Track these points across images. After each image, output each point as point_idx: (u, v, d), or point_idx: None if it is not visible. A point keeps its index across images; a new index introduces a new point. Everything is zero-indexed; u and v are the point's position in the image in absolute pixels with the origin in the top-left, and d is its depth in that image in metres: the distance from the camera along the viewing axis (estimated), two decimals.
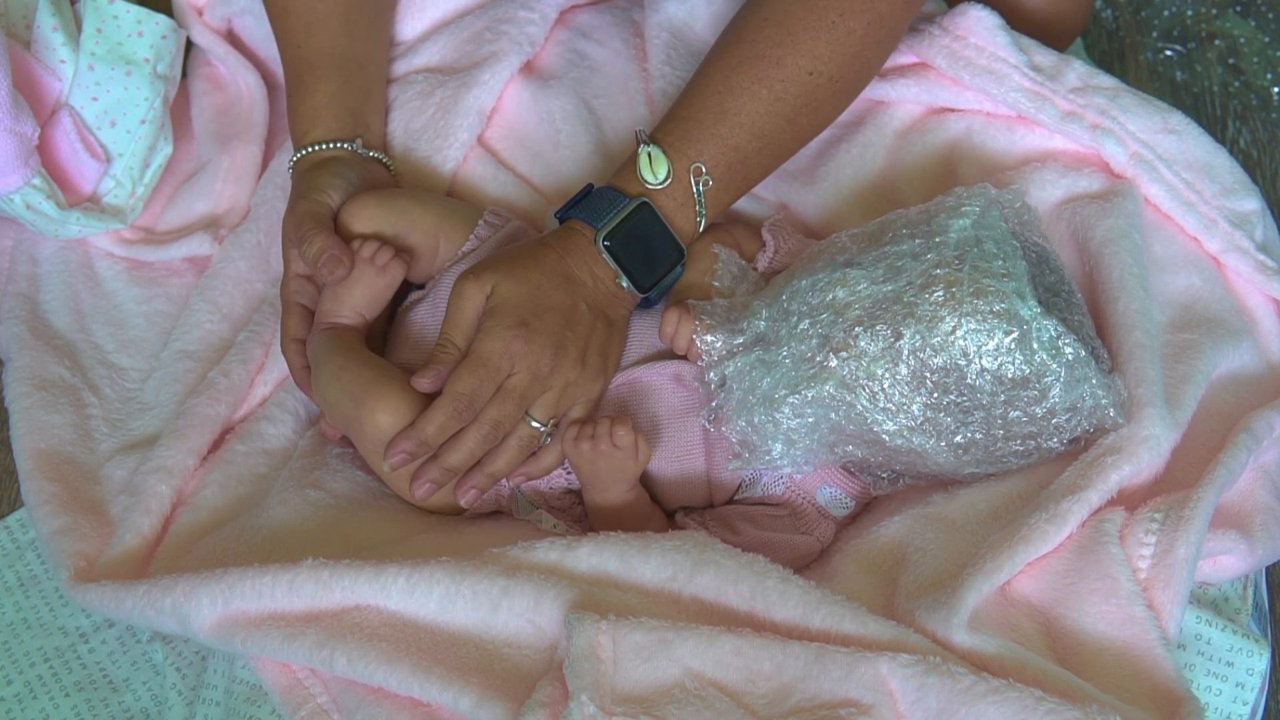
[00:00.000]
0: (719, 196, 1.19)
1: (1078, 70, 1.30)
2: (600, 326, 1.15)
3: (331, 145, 1.26)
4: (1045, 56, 1.30)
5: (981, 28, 1.30)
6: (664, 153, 1.17)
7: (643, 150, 1.17)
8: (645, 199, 1.16)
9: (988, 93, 1.28)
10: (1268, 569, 1.27)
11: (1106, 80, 1.30)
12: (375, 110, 1.33)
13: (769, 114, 1.18)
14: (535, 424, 1.12)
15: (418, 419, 1.09)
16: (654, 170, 1.16)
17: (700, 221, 1.18)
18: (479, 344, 1.11)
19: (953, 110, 1.31)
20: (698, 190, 1.17)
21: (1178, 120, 1.28)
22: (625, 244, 1.15)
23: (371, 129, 1.31)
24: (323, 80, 1.28)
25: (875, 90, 1.32)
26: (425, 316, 1.21)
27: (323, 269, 1.16)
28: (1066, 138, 1.27)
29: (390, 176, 1.30)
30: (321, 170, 1.23)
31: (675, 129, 1.18)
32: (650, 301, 1.20)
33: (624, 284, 1.16)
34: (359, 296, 1.18)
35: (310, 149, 1.26)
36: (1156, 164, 1.25)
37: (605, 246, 1.15)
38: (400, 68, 1.40)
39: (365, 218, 1.20)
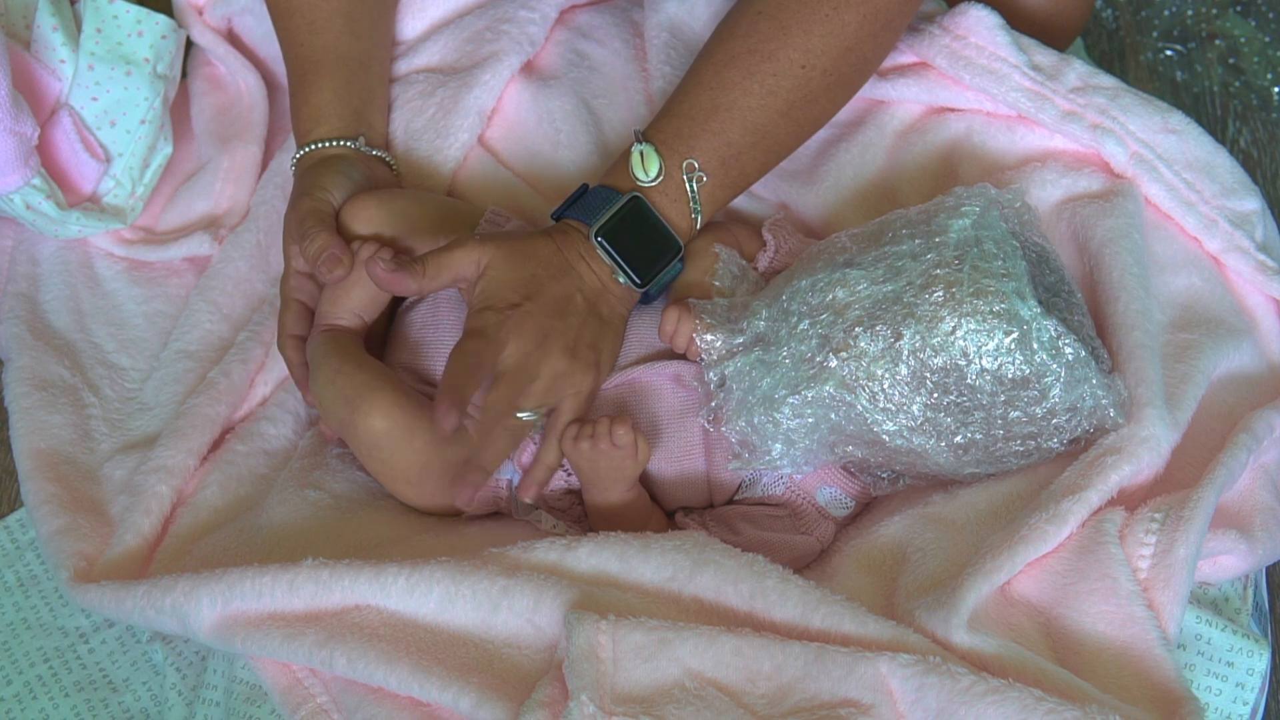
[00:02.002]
0: (714, 193, 1.19)
1: (1078, 70, 1.29)
2: (593, 321, 1.14)
3: (334, 143, 1.26)
4: (1046, 56, 1.30)
5: (982, 27, 1.30)
6: (655, 150, 1.16)
7: (635, 148, 1.17)
8: (637, 194, 1.16)
9: (988, 92, 1.28)
10: (1268, 569, 1.27)
11: (1107, 80, 1.30)
12: (378, 110, 1.33)
13: (761, 108, 1.18)
14: (522, 415, 1.11)
15: (443, 379, 1.07)
16: (645, 168, 1.16)
17: (696, 219, 1.18)
18: (471, 320, 1.10)
19: (953, 110, 1.31)
20: (691, 187, 1.17)
21: (1178, 120, 1.28)
22: (619, 239, 1.15)
23: (374, 128, 1.31)
24: (326, 79, 1.28)
25: (875, 90, 1.32)
26: (425, 318, 1.21)
27: (322, 268, 1.16)
28: (1067, 137, 1.27)
29: (393, 176, 1.30)
30: (325, 168, 1.23)
31: (667, 126, 1.18)
32: (649, 298, 1.20)
33: (620, 280, 1.15)
34: (357, 298, 1.17)
35: (313, 146, 1.26)
36: (1157, 164, 1.25)
37: (599, 242, 1.14)
38: (401, 67, 1.40)
39: (365, 218, 1.20)
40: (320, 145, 1.26)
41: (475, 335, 1.09)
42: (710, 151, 1.17)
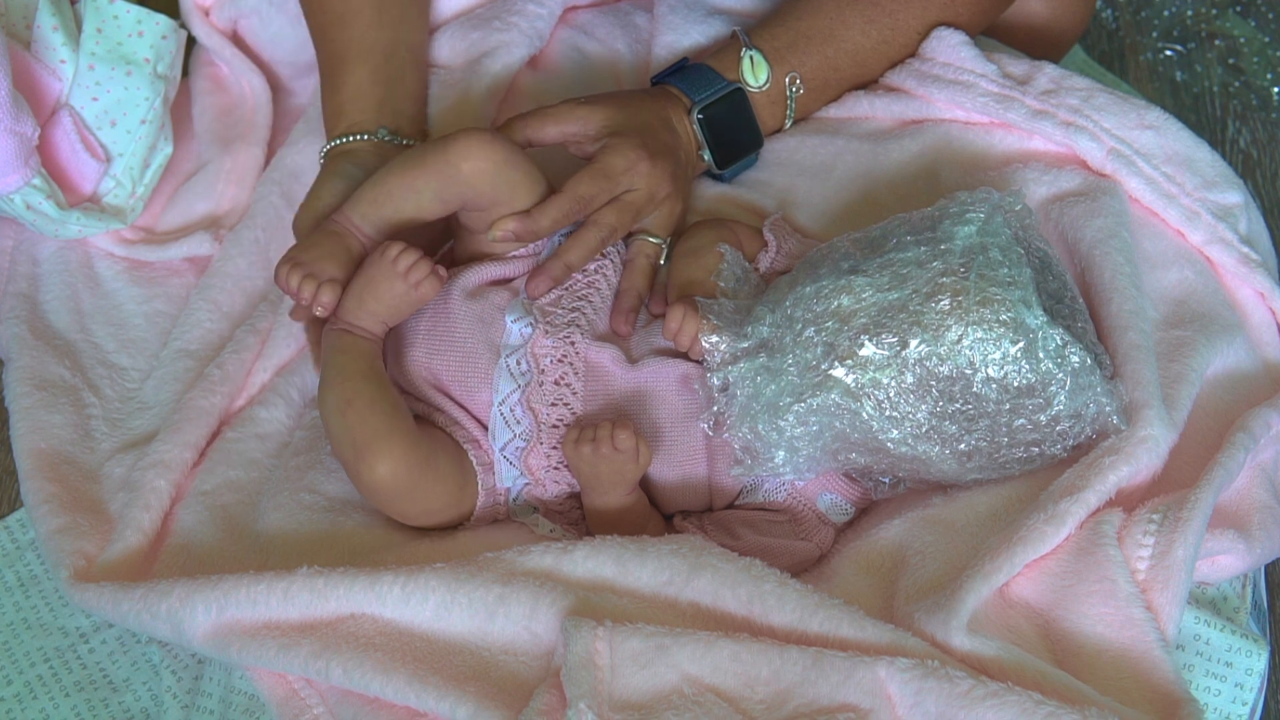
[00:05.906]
0: (808, 103, 1.31)
1: (1049, 74, 1.31)
2: (681, 179, 1.23)
3: (352, 139, 1.27)
4: (1017, 66, 1.33)
5: (945, 46, 1.32)
6: (765, 59, 1.26)
7: (745, 53, 1.25)
8: (740, 86, 1.26)
9: (957, 102, 1.29)
10: (1266, 568, 1.27)
11: (1081, 82, 1.30)
12: (408, 97, 1.33)
13: (873, 50, 1.31)
14: (653, 239, 1.21)
15: (534, 209, 1.14)
16: (755, 74, 1.26)
17: (788, 122, 1.31)
18: (604, 157, 1.17)
19: (929, 120, 1.32)
20: (791, 94, 1.27)
21: (1155, 116, 1.29)
22: (716, 122, 1.25)
23: (403, 113, 1.31)
24: (349, 74, 1.29)
25: (855, 107, 1.33)
26: (437, 309, 1.17)
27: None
28: (1043, 138, 1.27)
29: None
30: (327, 171, 1.25)
31: (781, 37, 1.28)
32: (723, 179, 1.30)
33: (705, 156, 1.26)
34: (386, 305, 1.12)
35: (336, 142, 1.28)
36: (1134, 158, 1.25)
37: (698, 119, 1.24)
38: None
39: (485, 157, 1.14)
40: (341, 141, 1.27)
41: (600, 175, 1.16)
42: (816, 71, 1.30)
